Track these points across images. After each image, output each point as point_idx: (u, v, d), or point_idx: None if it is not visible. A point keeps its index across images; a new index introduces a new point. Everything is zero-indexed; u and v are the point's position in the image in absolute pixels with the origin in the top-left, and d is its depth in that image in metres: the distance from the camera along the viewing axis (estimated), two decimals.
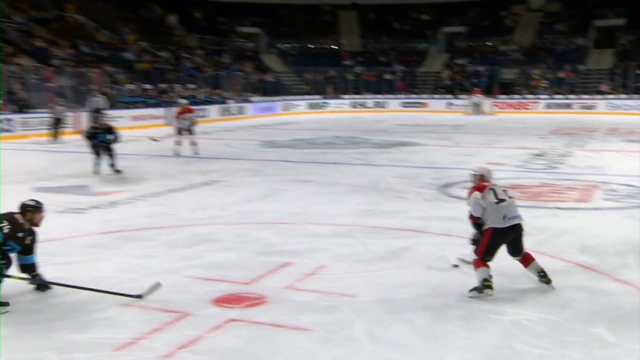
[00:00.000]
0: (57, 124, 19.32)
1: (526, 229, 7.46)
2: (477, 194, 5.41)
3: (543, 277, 5.43)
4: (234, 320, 4.70)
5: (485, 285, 5.23)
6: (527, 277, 5.63)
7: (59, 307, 4.97)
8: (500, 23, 42.60)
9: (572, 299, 5.10)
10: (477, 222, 5.48)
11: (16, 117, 20.68)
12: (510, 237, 5.44)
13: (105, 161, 12.03)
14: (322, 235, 7.31)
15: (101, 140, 11.94)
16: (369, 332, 4.46)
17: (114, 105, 24.91)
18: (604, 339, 4.35)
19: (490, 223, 5.35)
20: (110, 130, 12.21)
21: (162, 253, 6.59)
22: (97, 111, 22.15)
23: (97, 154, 12.00)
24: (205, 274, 5.83)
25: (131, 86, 27.51)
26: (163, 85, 28.85)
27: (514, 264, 5.92)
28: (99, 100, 22.53)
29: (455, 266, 6.00)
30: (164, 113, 26.12)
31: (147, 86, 28.22)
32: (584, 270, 5.93)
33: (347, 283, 5.56)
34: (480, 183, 5.56)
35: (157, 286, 5.20)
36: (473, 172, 5.78)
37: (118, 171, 11.92)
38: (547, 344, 4.25)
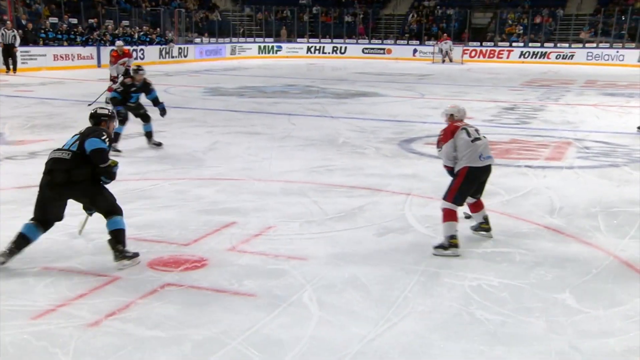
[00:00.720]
0: None
1: (493, 188, 7.69)
2: (449, 143, 5.54)
3: (486, 223, 5.88)
4: (170, 284, 4.71)
5: (451, 243, 5.41)
6: (491, 241, 5.80)
7: None
8: None
9: (537, 264, 5.27)
10: (451, 169, 5.65)
11: None
12: (483, 178, 5.68)
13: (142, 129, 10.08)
14: (271, 193, 7.33)
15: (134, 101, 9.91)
16: (319, 298, 4.53)
17: (32, 41, 24.07)
18: (568, 305, 4.52)
19: (466, 162, 5.49)
20: (147, 86, 10.05)
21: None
22: (7, 47, 21.42)
23: (124, 120, 9.81)
24: (139, 234, 5.78)
25: (53, 20, 26.54)
26: (92, 21, 27.94)
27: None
28: (10, 34, 21.70)
29: (468, 217, 6.11)
30: (89, 52, 25.46)
31: (73, 21, 27.29)
32: (551, 233, 6.12)
33: (297, 245, 5.62)
34: (453, 123, 5.71)
35: (86, 220, 5.37)
36: (445, 112, 5.94)
37: (159, 144, 10.05)
38: (508, 310, 4.40)
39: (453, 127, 5.66)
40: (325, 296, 4.56)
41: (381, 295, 4.62)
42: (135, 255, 5.11)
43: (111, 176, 5.11)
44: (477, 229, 5.96)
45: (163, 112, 10.05)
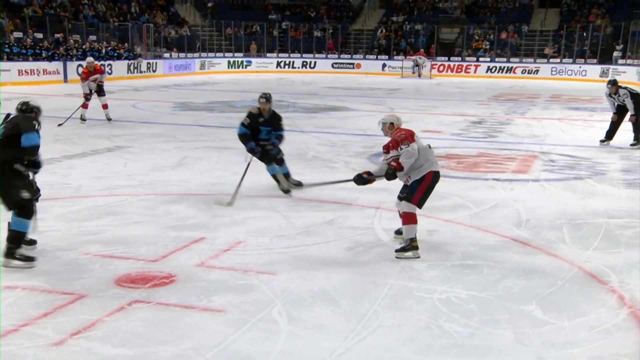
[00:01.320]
0: None
1: (462, 201, 7.79)
2: (414, 144, 5.68)
3: None
4: (138, 301, 4.66)
5: (412, 246, 5.64)
6: (459, 253, 5.85)
7: None
8: None
9: (504, 276, 5.33)
10: (400, 169, 5.74)
11: None
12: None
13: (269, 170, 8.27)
14: (240, 208, 7.30)
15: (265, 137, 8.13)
16: (288, 312, 4.52)
17: None
18: (535, 316, 4.58)
19: (430, 166, 5.74)
20: (276, 119, 8.25)
21: (56, 227, 6.41)
22: None
23: (267, 159, 8.19)
24: (107, 250, 5.74)
25: (18, 34, 26.22)
26: (58, 35, 27.65)
27: (446, 238, 6.13)
28: None
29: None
30: (55, 68, 25.19)
31: (39, 35, 26.98)
32: (518, 246, 6.19)
33: (266, 260, 5.60)
34: (406, 129, 5.86)
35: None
36: (383, 121, 6.04)
37: (299, 184, 8.22)
38: (476, 322, 4.43)
39: (411, 132, 5.82)
40: (294, 311, 4.56)
41: (351, 309, 4.63)
42: (30, 259, 5.30)
43: (39, 165, 5.50)
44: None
45: (273, 148, 8.11)
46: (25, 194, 5.23)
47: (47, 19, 28.06)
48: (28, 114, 5.48)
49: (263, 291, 4.90)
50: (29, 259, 5.30)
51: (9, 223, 5.36)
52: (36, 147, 5.28)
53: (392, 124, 5.95)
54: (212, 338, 4.13)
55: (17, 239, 5.29)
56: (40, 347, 3.96)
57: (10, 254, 5.25)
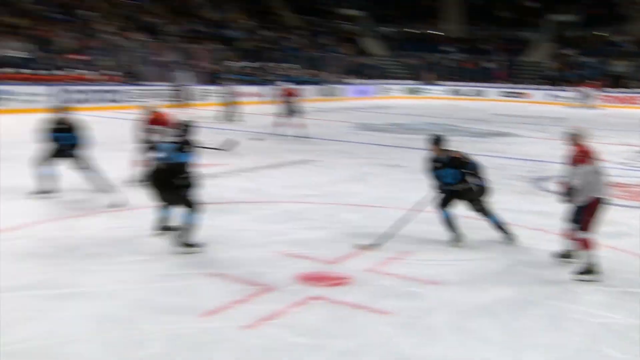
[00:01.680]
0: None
1: (626, 229, 7.15)
2: (590, 167, 5.36)
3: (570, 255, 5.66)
4: (316, 298, 4.77)
5: (591, 270, 5.24)
6: (621, 280, 5.36)
7: (145, 273, 5.24)
8: (614, 12, 40.09)
9: None
10: (571, 189, 5.43)
11: (126, 88, 21.98)
12: None
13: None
14: (411, 221, 7.21)
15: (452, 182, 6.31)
16: (451, 321, 4.40)
17: (215, 82, 25.66)
18: None
19: (597, 192, 5.31)
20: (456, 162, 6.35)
21: (253, 227, 6.76)
22: (177, 87, 22.91)
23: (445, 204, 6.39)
24: (293, 250, 5.94)
25: (233, 63, 28.25)
26: (266, 64, 29.41)
27: (608, 265, 5.65)
28: (184, 75, 23.08)
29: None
30: (261, 91, 26.69)
31: (246, 64, 28.87)
32: None
33: (433, 270, 5.50)
34: (588, 149, 5.51)
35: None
36: (568, 131, 5.78)
37: (509, 236, 6.42)
38: (638, 351, 4.02)
39: (590, 153, 5.46)
40: (457, 320, 4.43)
41: (510, 324, 4.40)
42: (195, 245, 5.76)
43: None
44: (564, 255, 5.73)
45: (479, 190, 6.34)
46: (188, 193, 5.76)
47: (254, 49, 29.98)
48: (182, 134, 5.95)
49: (428, 299, 4.81)
50: (193, 245, 5.75)
51: (180, 217, 5.82)
52: (181, 164, 5.72)
53: (576, 135, 5.70)
54: (379, 338, 4.12)
55: (186, 230, 5.75)
56: (234, 328, 4.18)
57: (183, 243, 5.74)
